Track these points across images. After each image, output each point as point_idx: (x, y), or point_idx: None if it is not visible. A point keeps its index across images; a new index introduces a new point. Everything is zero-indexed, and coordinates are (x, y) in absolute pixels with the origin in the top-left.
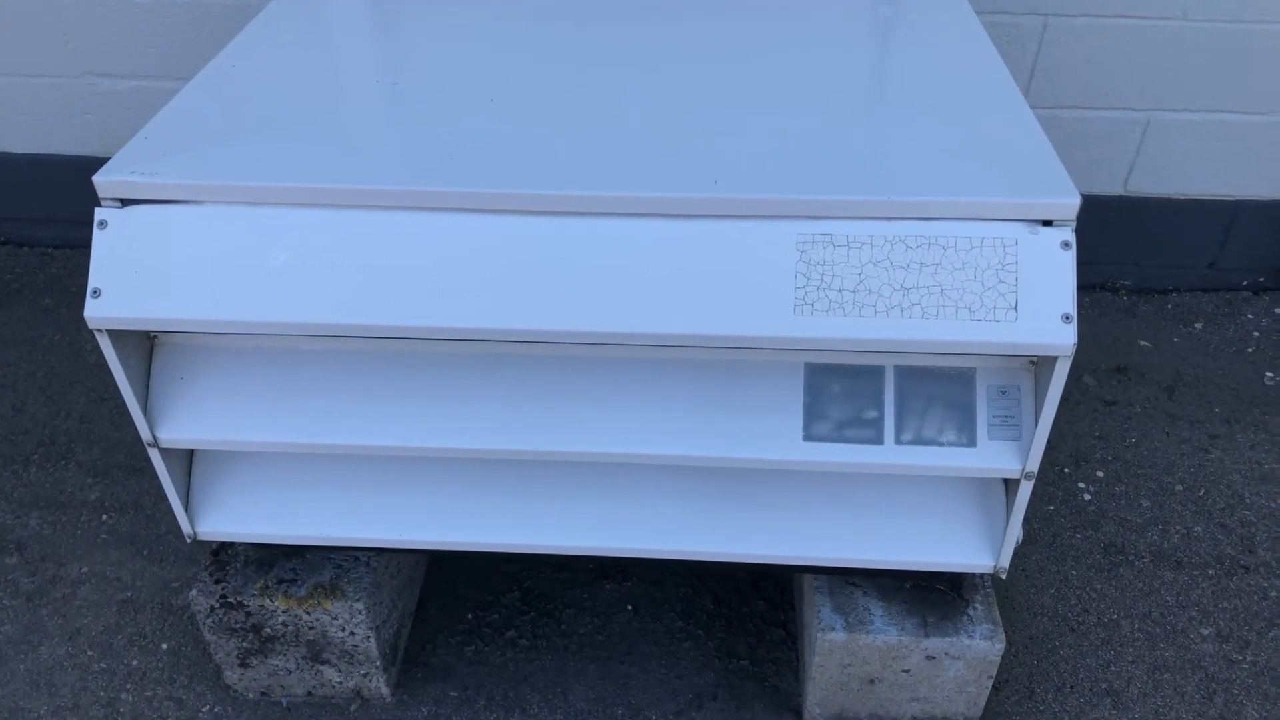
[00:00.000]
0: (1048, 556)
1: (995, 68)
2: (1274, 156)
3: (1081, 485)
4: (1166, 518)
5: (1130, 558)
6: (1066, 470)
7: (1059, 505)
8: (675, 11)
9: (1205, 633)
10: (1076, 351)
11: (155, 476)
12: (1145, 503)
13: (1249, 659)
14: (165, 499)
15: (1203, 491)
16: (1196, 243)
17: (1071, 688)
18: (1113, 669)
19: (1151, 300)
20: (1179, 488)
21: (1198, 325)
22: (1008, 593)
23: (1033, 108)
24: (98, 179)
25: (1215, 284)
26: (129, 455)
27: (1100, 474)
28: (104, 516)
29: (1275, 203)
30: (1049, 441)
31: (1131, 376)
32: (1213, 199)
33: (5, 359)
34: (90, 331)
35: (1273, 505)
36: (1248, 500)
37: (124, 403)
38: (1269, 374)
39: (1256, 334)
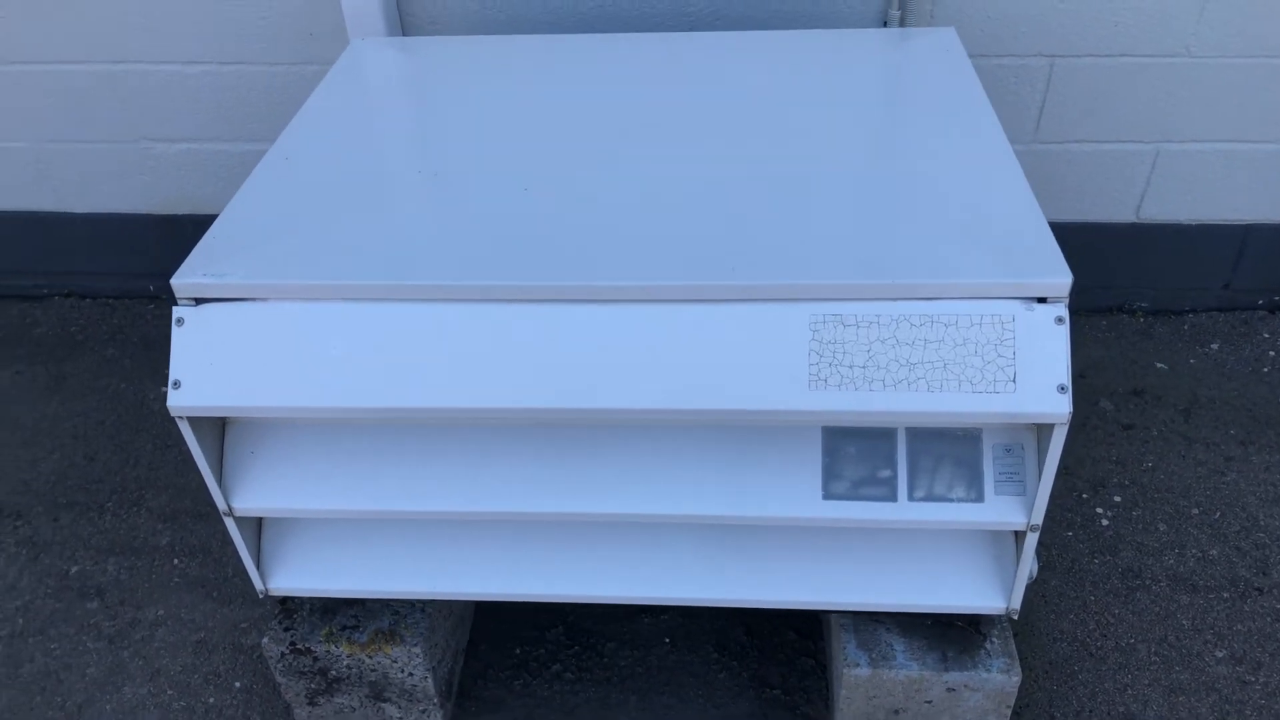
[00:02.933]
0: (1067, 582)
1: (997, 141)
2: None
3: (1099, 510)
4: (1183, 541)
5: (1147, 582)
6: (1085, 496)
7: (1077, 531)
8: (697, 90)
9: (1219, 655)
10: (1093, 376)
11: (220, 521)
12: (1162, 527)
13: (1261, 680)
14: (230, 543)
15: (1218, 515)
16: (1210, 265)
17: (1090, 712)
18: (1130, 693)
19: (1168, 321)
20: (1195, 511)
21: (1214, 346)
22: (1028, 619)
23: (1043, 143)
24: (175, 281)
25: (1231, 304)
26: (195, 501)
27: (1118, 499)
28: (175, 561)
29: None
30: (1068, 467)
31: (1148, 399)
32: (1224, 224)
33: (76, 409)
34: (153, 381)
35: None
36: (1262, 523)
37: (188, 451)
38: None
39: (1273, 353)
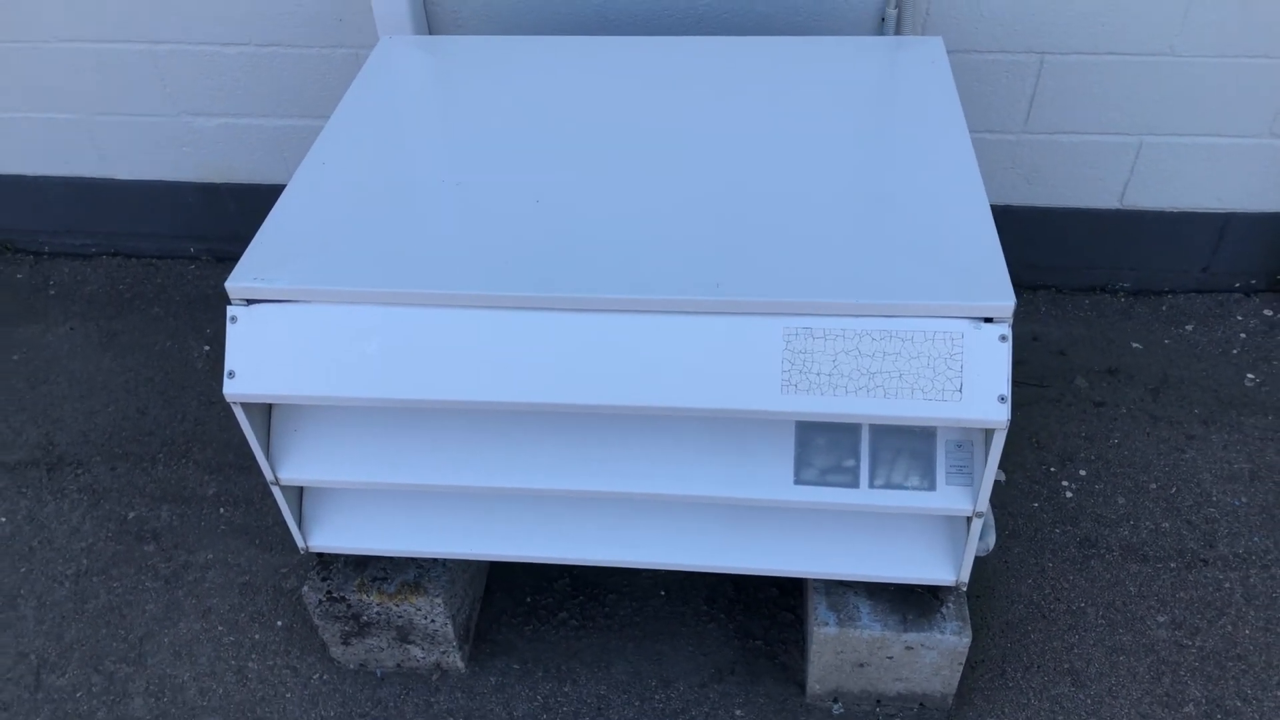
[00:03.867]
0: (1028, 550)
1: (967, 163)
2: (1260, 175)
3: (1065, 484)
4: (1138, 514)
5: (1101, 551)
6: (1052, 469)
7: (1043, 502)
8: (695, 101)
9: (1161, 620)
10: (1072, 354)
11: (260, 474)
12: (1121, 500)
13: (1197, 644)
14: (270, 495)
15: (1174, 490)
16: (1191, 249)
17: (1038, 668)
18: (1075, 652)
19: (1148, 301)
20: (1153, 486)
21: (1189, 327)
22: (989, 583)
23: (1032, 133)
24: (229, 285)
25: (1210, 286)
26: (237, 455)
27: (1083, 473)
28: (221, 509)
29: (1264, 214)
30: (1040, 441)
31: (1121, 378)
32: (1205, 211)
33: (127, 364)
34: (195, 339)
35: (1236, 503)
36: (1214, 498)
37: (230, 410)
38: (1250, 375)
39: (1243, 335)
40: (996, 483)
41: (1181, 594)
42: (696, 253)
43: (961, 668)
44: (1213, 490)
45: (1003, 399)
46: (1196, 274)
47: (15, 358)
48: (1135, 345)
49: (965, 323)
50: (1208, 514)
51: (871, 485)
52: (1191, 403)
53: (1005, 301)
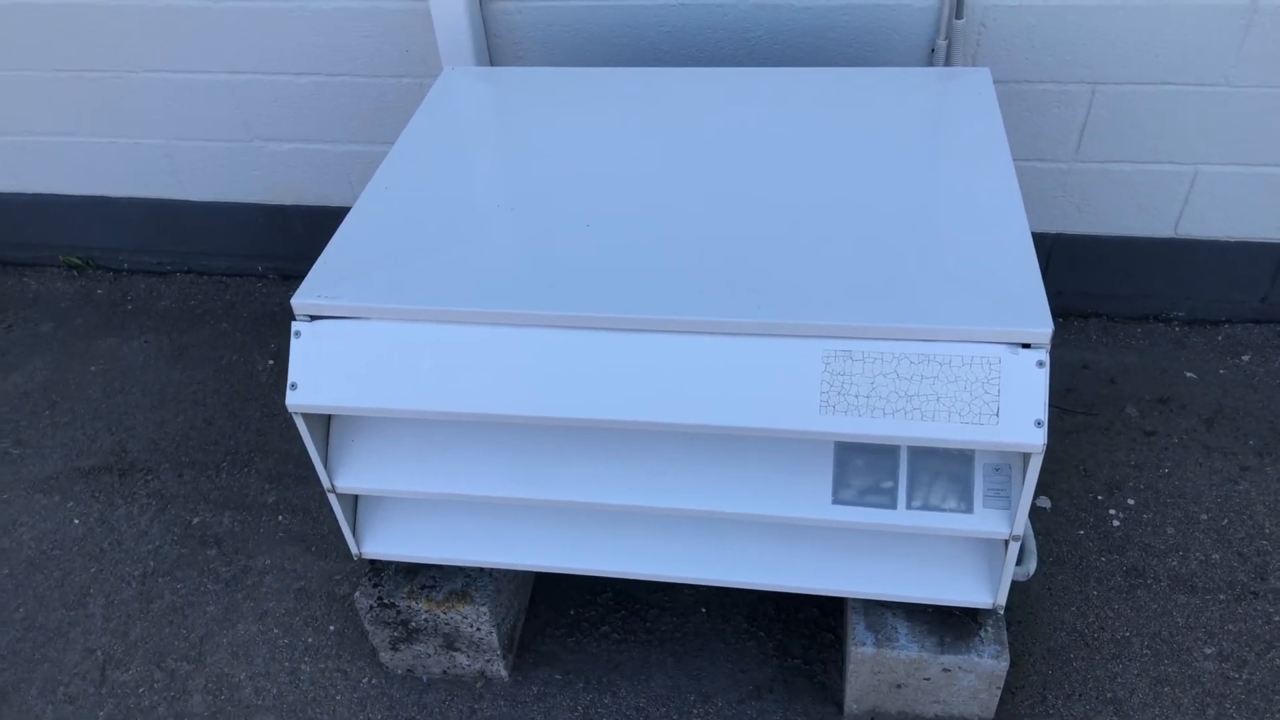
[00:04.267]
0: (1073, 577)
1: (1009, 192)
2: None
3: (1112, 512)
4: (1188, 545)
5: (1149, 581)
6: (1099, 497)
7: (1089, 530)
8: (745, 131)
9: (1208, 652)
10: (1123, 382)
11: (317, 484)
12: (1170, 530)
13: (1244, 677)
14: (326, 505)
15: (1226, 521)
16: (1248, 279)
17: (1080, 696)
18: (1119, 681)
19: (1203, 331)
20: (1204, 517)
21: (1245, 357)
22: (1032, 608)
23: (1084, 162)
24: (294, 301)
25: (1268, 316)
26: (296, 465)
27: (1131, 502)
28: (280, 517)
29: None
30: (1087, 469)
31: (1174, 408)
32: (1263, 241)
33: (195, 377)
34: (260, 354)
35: None
36: (1267, 530)
37: (290, 421)
38: None
39: None
40: (1042, 509)
41: (1230, 626)
42: (740, 276)
43: (1000, 692)
44: (1266, 523)
45: (1039, 423)
46: (1254, 304)
47: (93, 369)
48: (1189, 375)
49: (1003, 348)
50: (1260, 546)
51: (909, 506)
52: (1246, 434)
53: (1043, 328)
